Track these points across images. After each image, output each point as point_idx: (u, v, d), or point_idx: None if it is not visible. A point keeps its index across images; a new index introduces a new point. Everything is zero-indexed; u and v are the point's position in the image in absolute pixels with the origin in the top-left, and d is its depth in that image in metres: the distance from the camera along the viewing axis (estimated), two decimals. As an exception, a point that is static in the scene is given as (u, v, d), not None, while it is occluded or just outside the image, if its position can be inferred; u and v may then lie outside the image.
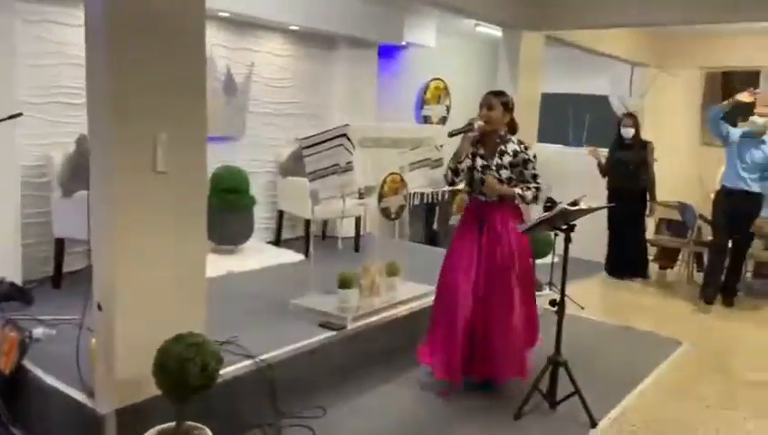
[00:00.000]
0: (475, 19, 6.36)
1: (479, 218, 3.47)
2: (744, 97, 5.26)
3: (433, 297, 3.69)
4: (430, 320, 3.61)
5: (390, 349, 3.80)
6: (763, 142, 5.38)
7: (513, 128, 3.53)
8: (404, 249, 4.35)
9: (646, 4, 4.98)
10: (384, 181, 3.89)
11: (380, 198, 3.88)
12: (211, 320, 2.90)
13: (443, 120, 6.91)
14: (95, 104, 2.49)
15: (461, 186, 3.64)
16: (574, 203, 3.24)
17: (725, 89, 8.85)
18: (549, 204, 5.52)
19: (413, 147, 4.12)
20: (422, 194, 4.25)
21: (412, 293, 4.12)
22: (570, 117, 8.22)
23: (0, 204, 3.89)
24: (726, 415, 3.55)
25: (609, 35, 6.44)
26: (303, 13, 5.34)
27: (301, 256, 5.14)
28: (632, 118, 6.19)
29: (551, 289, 5.11)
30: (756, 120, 5.36)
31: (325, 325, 3.59)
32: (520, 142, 3.47)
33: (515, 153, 3.42)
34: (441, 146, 4.32)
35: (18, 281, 3.90)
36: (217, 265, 4.63)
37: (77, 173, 3.89)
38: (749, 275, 6.01)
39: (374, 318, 3.79)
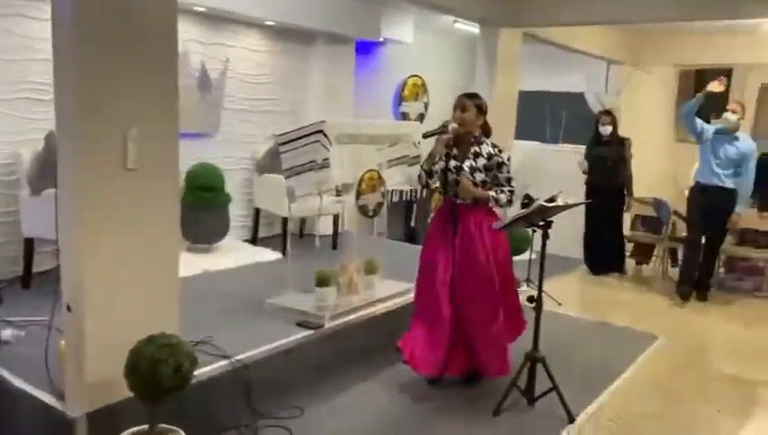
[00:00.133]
0: (452, 15, 6.34)
1: (453, 220, 3.45)
2: (714, 87, 5.24)
3: (412, 295, 3.68)
4: (412, 319, 3.58)
5: (369, 347, 3.78)
6: (736, 139, 5.45)
7: (486, 130, 3.52)
8: (382, 247, 4.33)
9: (621, 2, 5.02)
10: (362, 178, 3.86)
11: (358, 195, 3.85)
12: (186, 320, 2.85)
13: (421, 117, 6.92)
14: (62, 99, 2.43)
15: (435, 186, 3.62)
16: (551, 199, 3.24)
17: (699, 86, 8.99)
18: (526, 200, 5.55)
19: (391, 144, 4.10)
20: (400, 191, 4.23)
21: (391, 290, 4.10)
22: (547, 114, 8.27)
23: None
24: (701, 409, 3.59)
25: (584, 33, 6.48)
26: (279, 8, 5.28)
27: (278, 255, 5.09)
28: (610, 115, 6.24)
29: (528, 285, 5.14)
30: (729, 116, 5.43)
31: (302, 324, 3.55)
32: (494, 145, 3.46)
33: (490, 156, 3.41)
34: (419, 143, 4.29)
35: (-14, 282, 3.80)
36: (192, 263, 4.57)
37: (46, 171, 3.79)
38: (722, 270, 6.10)
39: (352, 316, 3.76)
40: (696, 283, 5.71)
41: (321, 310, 3.63)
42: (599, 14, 5.03)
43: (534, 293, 3.37)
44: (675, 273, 6.11)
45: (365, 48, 6.57)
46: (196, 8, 4.96)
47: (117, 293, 2.53)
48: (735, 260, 6.04)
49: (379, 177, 3.97)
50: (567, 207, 3.32)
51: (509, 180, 3.44)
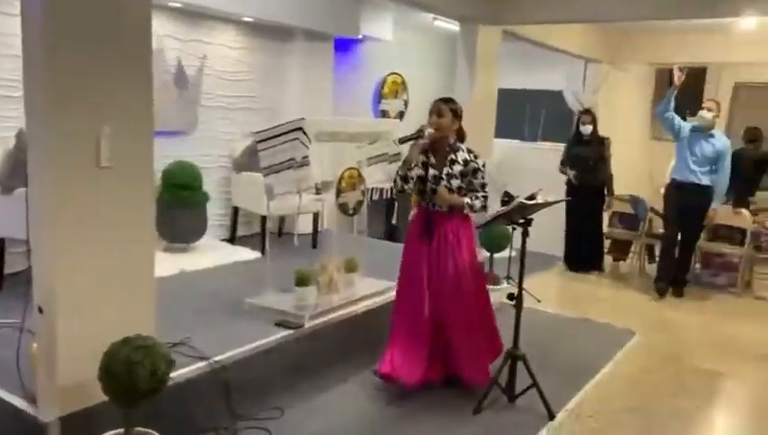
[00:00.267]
0: (432, 13, 6.34)
1: (428, 227, 3.44)
2: (677, 78, 5.29)
3: (393, 293, 3.66)
4: (392, 329, 3.56)
5: (349, 347, 3.75)
6: (712, 136, 5.53)
7: (461, 136, 3.50)
8: (363, 245, 4.30)
9: (599, 0, 5.04)
10: (341, 176, 3.82)
11: (338, 193, 3.81)
12: (162, 321, 2.80)
13: (401, 115, 6.91)
14: (32, 96, 2.36)
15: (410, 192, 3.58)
16: (531, 197, 3.24)
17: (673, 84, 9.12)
18: (506, 198, 5.57)
19: (371, 141, 4.06)
20: (381, 189, 4.20)
21: (371, 289, 4.07)
22: (526, 112, 8.31)
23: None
24: (679, 404, 3.63)
25: (563, 31, 6.52)
26: (257, 4, 5.21)
27: (256, 254, 5.03)
28: (590, 114, 6.28)
29: (508, 283, 5.14)
30: (705, 114, 5.51)
31: (282, 324, 3.50)
32: (469, 151, 3.45)
33: (466, 162, 3.40)
34: (397, 140, 4.27)
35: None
36: (169, 263, 4.49)
37: (17, 169, 3.70)
38: (697, 266, 6.18)
39: (332, 316, 3.72)
40: (672, 279, 5.79)
41: (301, 309, 3.59)
42: (577, 12, 5.05)
43: (515, 290, 3.38)
44: (652, 269, 6.18)
45: (344, 45, 6.53)
46: (171, 4, 4.88)
47: (90, 294, 2.47)
48: (711, 256, 6.13)
49: (359, 175, 3.94)
50: (546, 204, 3.33)
51: (483, 186, 3.44)
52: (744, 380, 4.12)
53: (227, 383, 2.98)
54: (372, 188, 4.15)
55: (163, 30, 4.95)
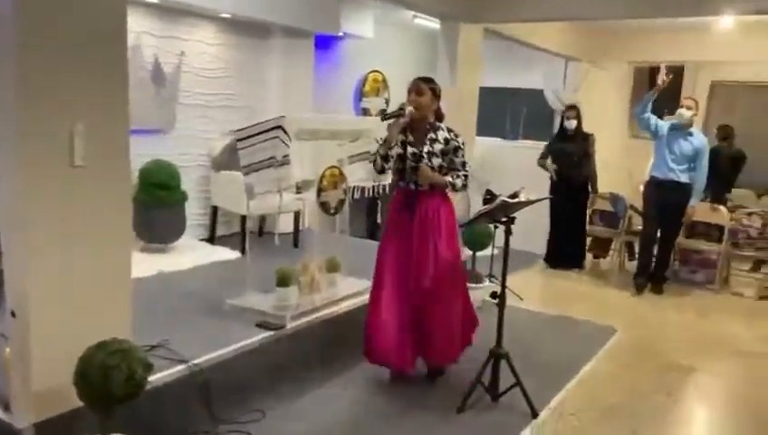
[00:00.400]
0: (412, 10, 6.31)
1: (409, 206, 3.41)
2: (661, 79, 5.41)
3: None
4: (369, 312, 3.55)
5: (331, 347, 3.71)
6: (690, 134, 5.59)
7: (439, 116, 3.50)
8: (345, 244, 4.27)
9: (580, -1, 5.07)
10: (323, 175, 3.78)
11: (319, 192, 3.77)
12: (140, 323, 2.75)
13: (382, 113, 6.87)
14: (2, 93, 2.28)
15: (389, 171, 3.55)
16: (514, 195, 3.24)
17: (653, 83, 9.22)
18: (488, 196, 5.57)
19: (352, 139, 4.03)
20: (363, 188, 4.16)
21: (354, 288, 4.04)
22: (507, 111, 8.33)
23: None
24: (659, 400, 3.66)
25: (543, 29, 6.54)
26: (235, 0, 5.14)
27: (237, 254, 4.96)
28: (575, 110, 6.26)
29: (491, 281, 5.14)
30: (683, 112, 5.56)
31: (263, 325, 3.45)
32: (449, 130, 3.44)
33: (447, 140, 3.39)
34: (381, 138, 4.24)
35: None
36: (147, 264, 4.41)
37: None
38: (676, 263, 6.24)
39: (314, 316, 3.68)
40: (651, 276, 5.84)
41: (282, 310, 3.54)
42: (557, 11, 5.06)
43: (497, 288, 3.37)
44: (631, 266, 6.23)
45: (324, 42, 6.48)
46: (148, 0, 4.79)
47: (64, 297, 2.41)
48: (689, 253, 6.19)
49: (341, 173, 3.89)
50: (529, 203, 3.32)
51: (464, 164, 3.44)
52: (723, 376, 4.17)
53: (207, 386, 2.93)
54: (354, 187, 4.10)
55: (139, 26, 4.86)
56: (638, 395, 3.69)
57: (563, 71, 7.96)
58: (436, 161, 3.37)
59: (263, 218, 5.73)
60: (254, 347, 3.28)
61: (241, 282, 3.79)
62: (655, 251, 5.88)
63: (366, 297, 3.94)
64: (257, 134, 3.54)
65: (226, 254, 5.00)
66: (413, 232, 3.40)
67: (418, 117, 3.36)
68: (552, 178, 6.25)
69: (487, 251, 5.23)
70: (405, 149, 3.36)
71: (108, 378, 2.22)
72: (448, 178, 3.38)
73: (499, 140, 7.69)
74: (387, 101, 6.90)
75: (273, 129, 3.51)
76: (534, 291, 5.73)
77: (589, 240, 6.73)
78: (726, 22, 6.33)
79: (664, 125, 5.65)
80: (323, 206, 3.83)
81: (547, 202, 6.02)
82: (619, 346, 4.45)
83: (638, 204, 6.13)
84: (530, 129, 8.17)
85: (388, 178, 3.80)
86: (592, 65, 7.92)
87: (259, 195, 3.66)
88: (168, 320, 3.46)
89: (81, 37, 2.35)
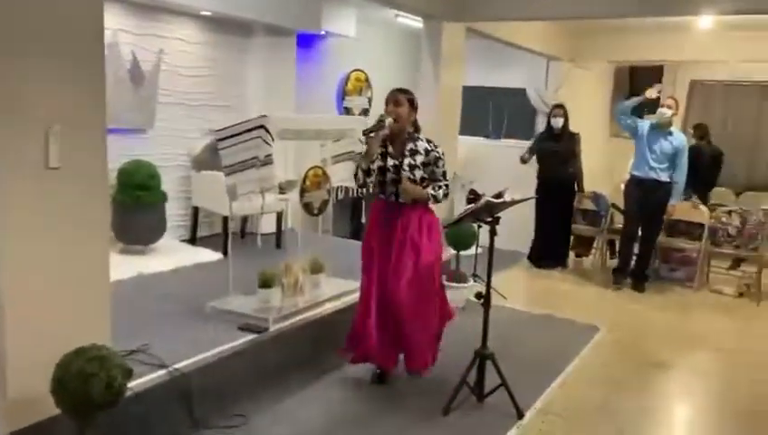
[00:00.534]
0: (395, 9, 6.29)
1: (390, 218, 3.39)
2: (650, 93, 5.55)
3: (359, 293, 3.60)
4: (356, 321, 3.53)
5: (315, 349, 3.68)
6: (670, 134, 5.64)
7: (416, 127, 3.48)
8: (328, 244, 4.23)
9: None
10: (306, 175, 3.74)
11: (302, 192, 3.73)
12: (119, 328, 2.70)
13: (365, 112, 6.84)
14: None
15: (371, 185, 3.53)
16: (498, 195, 3.22)
17: (633, 82, 9.31)
18: (472, 196, 5.56)
19: (335, 139, 3.99)
20: (346, 188, 4.13)
21: (338, 289, 4.00)
22: (490, 110, 8.34)
23: None
24: (642, 398, 3.67)
25: (525, 29, 6.55)
26: (215, -3, 5.07)
27: (218, 255, 4.89)
28: (562, 108, 6.25)
29: (475, 280, 5.14)
30: (664, 111, 5.61)
31: (245, 328, 3.40)
32: (428, 141, 3.43)
33: (427, 151, 3.37)
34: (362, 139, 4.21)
35: None
36: (126, 266, 4.34)
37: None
38: (657, 261, 6.29)
39: (298, 318, 3.64)
40: (633, 274, 5.89)
41: (265, 312, 3.50)
42: (539, 10, 5.07)
43: (482, 289, 3.36)
44: (613, 264, 6.26)
45: (306, 41, 6.42)
46: (125, -4, 4.71)
47: (41, 302, 2.35)
48: (670, 251, 6.25)
49: (324, 173, 3.86)
50: (514, 202, 3.32)
51: (444, 174, 3.43)
52: (705, 373, 4.21)
53: (189, 391, 2.87)
54: (338, 187, 4.06)
55: (116, 23, 4.76)
56: (622, 393, 3.70)
57: (545, 70, 7.98)
58: (418, 173, 3.35)
59: (245, 219, 5.66)
60: (237, 351, 3.23)
61: (223, 284, 3.73)
62: (636, 249, 5.93)
63: (351, 298, 3.92)
64: (239, 134, 3.48)
65: (208, 255, 4.93)
66: (393, 245, 3.37)
67: (397, 129, 3.34)
68: (523, 160, 6.25)
69: (471, 250, 5.23)
70: (385, 161, 3.33)
71: (87, 385, 2.17)
72: (430, 191, 3.36)
73: (482, 139, 7.69)
74: (369, 100, 6.86)
75: (255, 128, 3.45)
76: (518, 290, 5.73)
77: (571, 239, 6.76)
78: (706, 22, 6.40)
79: (644, 124, 5.70)
80: (307, 206, 3.79)
81: (532, 201, 6.03)
82: (602, 345, 4.47)
83: (620, 202, 6.18)
84: (512, 128, 8.18)
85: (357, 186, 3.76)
86: (574, 65, 7.96)
87: (242, 196, 3.60)
88: (149, 323, 3.40)
89: (57, 35, 2.29)
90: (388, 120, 3.29)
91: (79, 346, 2.24)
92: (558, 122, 6.17)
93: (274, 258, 4.07)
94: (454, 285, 4.99)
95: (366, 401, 3.37)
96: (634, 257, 5.98)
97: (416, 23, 6.21)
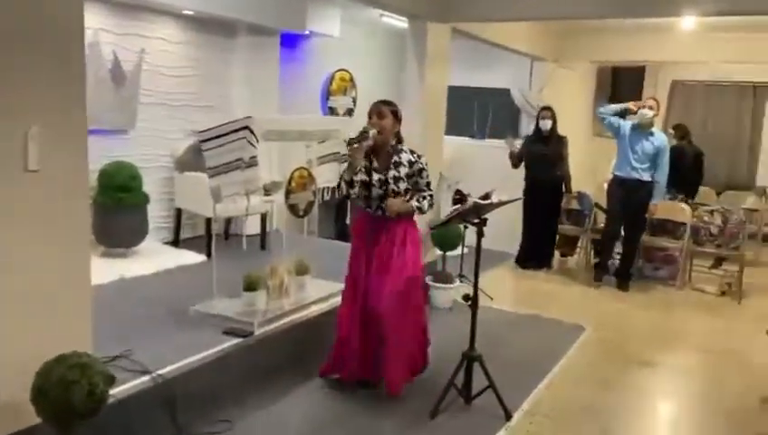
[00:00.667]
0: (380, 9, 6.25)
1: (373, 232, 3.36)
2: (632, 106, 5.75)
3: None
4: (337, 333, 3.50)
5: (301, 353, 3.64)
6: (652, 134, 5.71)
7: (400, 139, 3.44)
8: (314, 245, 4.19)
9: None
10: (291, 176, 3.70)
11: (288, 194, 3.69)
12: (101, 333, 2.64)
13: (349, 112, 6.80)
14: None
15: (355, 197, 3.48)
16: (485, 197, 3.22)
17: (615, 82, 9.39)
18: (458, 196, 5.56)
19: (321, 140, 3.95)
20: (332, 189, 4.08)
21: (324, 291, 3.96)
22: (474, 110, 8.33)
23: None
24: (628, 397, 3.69)
25: (509, 29, 6.55)
26: (198, -4, 5.00)
27: (202, 257, 4.83)
28: (550, 111, 6.26)
29: (461, 281, 5.13)
30: (645, 112, 5.66)
31: (230, 332, 3.35)
32: (412, 151, 3.40)
33: (411, 163, 3.35)
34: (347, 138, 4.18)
35: None
36: (108, 269, 4.26)
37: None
38: (641, 260, 6.33)
39: (283, 321, 3.60)
40: (618, 273, 5.94)
41: (250, 316, 3.45)
42: (525, 11, 5.06)
43: (469, 290, 3.35)
44: (598, 263, 6.30)
45: (291, 41, 6.37)
46: (106, -5, 4.63)
47: (19, 308, 2.29)
48: (653, 250, 6.29)
49: (310, 174, 3.82)
50: (501, 204, 3.31)
51: (428, 184, 3.41)
52: (688, 371, 4.24)
53: (172, 398, 2.82)
54: (324, 188, 4.02)
55: (97, 22, 4.68)
56: (607, 393, 3.71)
57: (529, 70, 8.00)
58: (402, 185, 3.33)
59: (229, 220, 5.60)
60: (221, 355, 3.18)
61: (207, 287, 3.68)
62: (617, 247, 5.97)
63: (337, 300, 3.88)
64: (224, 135, 3.43)
65: (191, 257, 4.86)
66: (376, 258, 3.33)
67: (381, 141, 3.30)
68: (510, 154, 6.26)
69: (457, 251, 5.22)
70: (370, 175, 3.29)
71: (68, 393, 2.12)
72: (415, 204, 3.33)
73: (467, 139, 7.69)
74: (354, 100, 6.82)
75: (239, 129, 3.41)
76: (504, 290, 5.74)
77: (556, 238, 6.78)
78: (688, 23, 6.45)
79: (626, 125, 5.76)
80: (292, 208, 3.75)
81: (519, 202, 6.06)
82: (588, 345, 4.49)
83: (603, 202, 6.21)
84: (497, 128, 8.19)
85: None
86: (557, 65, 7.99)
87: (226, 198, 3.55)
88: (131, 328, 3.33)
89: (35, 34, 2.22)
90: (372, 132, 3.25)
91: (60, 353, 2.18)
92: (546, 124, 6.19)
93: (259, 260, 4.03)
94: (440, 285, 4.98)
95: (352, 404, 3.34)
96: (618, 257, 6.02)
97: (401, 23, 6.18)
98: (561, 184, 6.35)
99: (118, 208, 4.58)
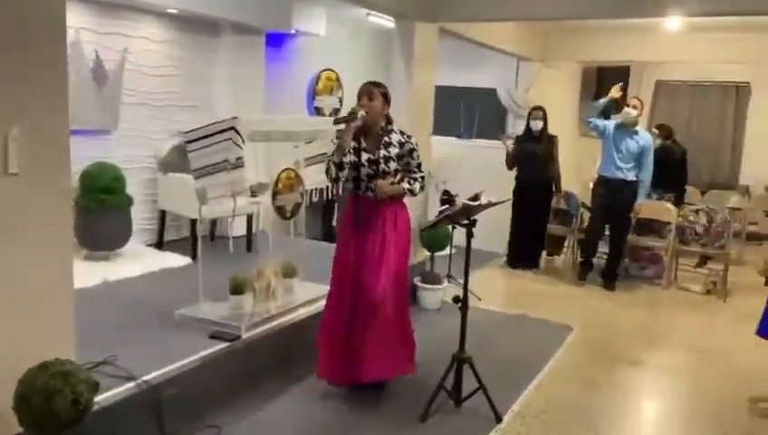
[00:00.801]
0: (367, 8, 6.22)
1: (363, 215, 3.29)
2: (614, 92, 5.68)
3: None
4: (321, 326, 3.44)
5: (289, 356, 3.60)
6: (636, 133, 5.73)
7: (389, 120, 3.41)
8: (301, 247, 4.15)
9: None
10: (278, 178, 3.65)
11: (275, 195, 3.64)
12: (84, 338, 2.58)
13: (336, 112, 6.75)
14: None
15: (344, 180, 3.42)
16: (475, 198, 3.19)
17: (600, 82, 9.44)
18: (446, 197, 5.53)
19: (308, 140, 3.91)
20: (320, 190, 4.04)
21: (311, 294, 3.92)
22: (461, 110, 8.33)
23: None
24: (616, 396, 3.70)
25: (496, 29, 6.55)
26: (181, -5, 4.93)
27: (187, 260, 4.76)
28: (541, 111, 6.24)
29: (449, 281, 5.12)
30: (630, 111, 5.69)
31: (217, 336, 3.30)
32: (402, 132, 3.37)
33: (401, 143, 3.32)
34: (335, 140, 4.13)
35: None
36: (91, 273, 4.19)
37: None
38: (627, 259, 6.36)
39: (271, 324, 3.55)
40: (604, 273, 5.96)
41: (237, 319, 3.41)
42: (512, 11, 5.05)
43: (458, 291, 3.32)
44: (584, 263, 6.32)
45: (276, 40, 6.31)
46: (88, -7, 4.55)
47: (0, 313, 2.21)
48: (639, 249, 6.32)
49: (297, 176, 3.77)
50: (491, 205, 3.29)
51: (419, 166, 3.38)
52: (675, 371, 4.24)
53: (158, 404, 2.77)
54: (311, 190, 3.97)
55: (79, 21, 4.60)
56: (595, 393, 3.71)
57: (515, 70, 8.02)
58: (393, 165, 3.30)
59: (214, 222, 5.53)
60: (208, 360, 3.13)
61: (192, 290, 3.63)
62: (603, 247, 6.00)
63: (324, 302, 3.83)
64: (209, 136, 3.38)
65: (176, 260, 4.80)
66: (368, 241, 3.29)
67: (371, 122, 3.26)
68: (507, 155, 6.25)
69: (445, 251, 5.20)
70: (359, 156, 3.25)
71: (51, 402, 2.08)
72: (406, 186, 3.30)
73: (454, 139, 7.68)
74: (340, 100, 6.78)
75: (225, 130, 3.36)
76: (492, 290, 5.73)
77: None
78: (673, 23, 6.49)
79: (610, 124, 5.78)
80: (279, 210, 3.71)
81: (511, 202, 6.06)
82: (576, 345, 4.49)
83: (588, 201, 6.23)
84: (483, 128, 8.19)
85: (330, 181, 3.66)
86: (543, 65, 8.02)
87: (212, 199, 3.50)
88: (115, 333, 3.28)
89: (16, 34, 2.17)
90: (361, 113, 3.18)
91: (42, 361, 2.13)
92: (537, 124, 6.18)
93: (245, 262, 3.98)
94: (428, 286, 4.96)
95: (341, 408, 3.30)
96: (604, 257, 6.04)
97: (387, 22, 6.15)
98: (552, 184, 6.36)
99: (101, 210, 4.50)
